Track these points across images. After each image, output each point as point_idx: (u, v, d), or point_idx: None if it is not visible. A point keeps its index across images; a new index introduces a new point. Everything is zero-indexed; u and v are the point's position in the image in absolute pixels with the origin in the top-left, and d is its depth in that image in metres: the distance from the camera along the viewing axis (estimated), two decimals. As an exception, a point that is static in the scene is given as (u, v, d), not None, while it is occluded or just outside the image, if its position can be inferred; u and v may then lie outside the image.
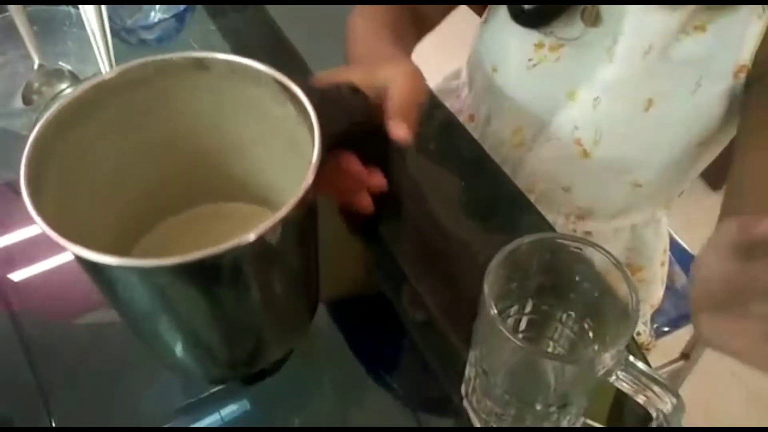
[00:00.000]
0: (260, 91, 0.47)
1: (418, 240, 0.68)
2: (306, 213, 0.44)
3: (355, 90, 0.48)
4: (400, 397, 0.58)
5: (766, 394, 1.48)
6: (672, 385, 0.44)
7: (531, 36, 0.67)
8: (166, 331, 0.47)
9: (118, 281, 0.42)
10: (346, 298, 0.64)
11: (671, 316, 1.00)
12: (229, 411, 0.56)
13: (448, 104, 0.91)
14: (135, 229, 0.54)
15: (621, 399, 0.52)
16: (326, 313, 0.62)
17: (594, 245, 0.45)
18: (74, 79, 0.71)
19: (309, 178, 0.40)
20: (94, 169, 0.48)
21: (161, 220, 0.55)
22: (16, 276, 0.64)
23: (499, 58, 0.72)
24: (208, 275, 0.40)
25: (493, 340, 0.45)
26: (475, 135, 0.83)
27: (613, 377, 0.45)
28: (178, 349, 0.48)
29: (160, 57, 0.47)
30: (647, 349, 0.99)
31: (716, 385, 1.49)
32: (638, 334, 0.98)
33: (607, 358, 0.43)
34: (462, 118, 0.86)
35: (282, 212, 0.38)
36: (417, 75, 0.52)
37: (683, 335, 1.08)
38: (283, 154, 0.49)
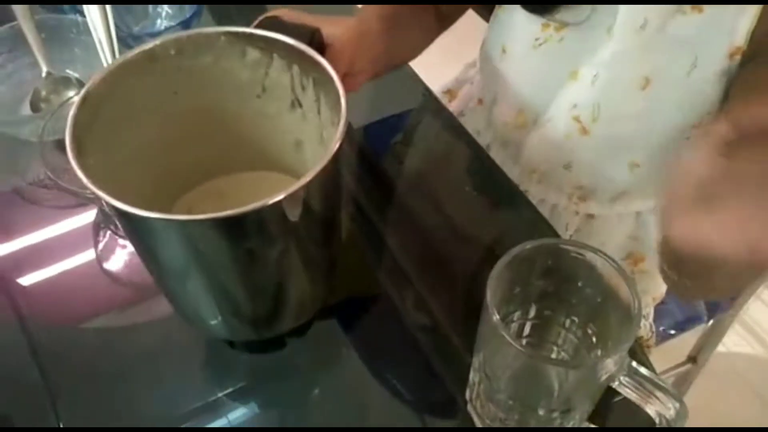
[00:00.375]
0: (291, 62, 0.52)
1: (421, 242, 0.69)
2: (331, 178, 0.48)
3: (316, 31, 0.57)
4: (406, 401, 0.58)
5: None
6: (676, 390, 0.44)
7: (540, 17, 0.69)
8: (196, 285, 0.50)
9: (157, 237, 0.46)
10: (350, 301, 0.64)
11: (677, 319, 1.00)
12: (237, 415, 0.57)
13: (464, 91, 0.93)
14: (172, 191, 0.59)
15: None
16: (331, 316, 0.62)
17: (596, 250, 0.45)
18: (81, 86, 0.72)
19: (337, 141, 0.45)
20: (137, 132, 0.53)
21: (197, 184, 0.60)
22: (25, 281, 0.65)
23: (508, 38, 0.74)
24: (238, 231, 0.44)
25: (496, 346, 0.45)
26: (482, 118, 0.85)
27: (616, 383, 0.45)
28: (206, 304, 0.52)
29: (206, 30, 0.53)
30: (648, 346, 0.99)
31: (724, 389, 1.48)
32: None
33: (610, 364, 0.43)
34: (472, 104, 0.89)
35: (309, 175, 0.43)
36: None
37: (690, 338, 1.08)
38: (316, 128, 0.54)
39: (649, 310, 0.94)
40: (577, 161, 0.75)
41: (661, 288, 0.91)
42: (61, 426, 0.55)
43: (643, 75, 0.65)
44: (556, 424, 0.48)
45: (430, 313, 0.63)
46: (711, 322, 1.04)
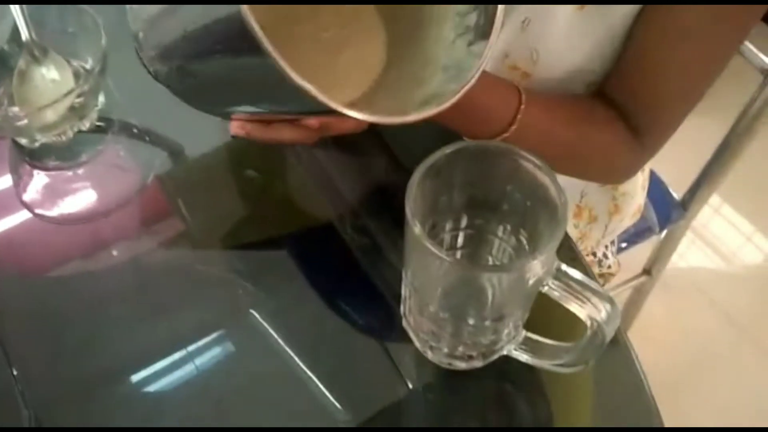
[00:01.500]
0: None
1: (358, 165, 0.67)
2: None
3: None
4: (349, 320, 0.57)
5: (728, 303, 1.50)
6: (606, 291, 0.43)
7: None
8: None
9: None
10: (300, 234, 0.64)
11: (629, 232, 0.99)
12: (202, 355, 0.55)
13: None
14: None
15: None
16: (283, 248, 0.62)
17: (516, 151, 0.43)
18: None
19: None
20: None
21: None
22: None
23: None
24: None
25: (420, 257, 0.43)
26: None
27: (546, 287, 0.43)
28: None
29: None
30: (611, 274, 0.98)
31: (680, 299, 1.50)
32: (605, 257, 0.97)
33: (537, 266, 0.42)
34: None
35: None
36: None
37: (644, 250, 1.08)
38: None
39: (615, 233, 0.92)
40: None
41: (639, 201, 0.89)
42: (14, 374, 0.53)
43: None
44: (489, 332, 0.47)
45: (368, 233, 0.61)
46: (664, 233, 1.04)
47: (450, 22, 0.44)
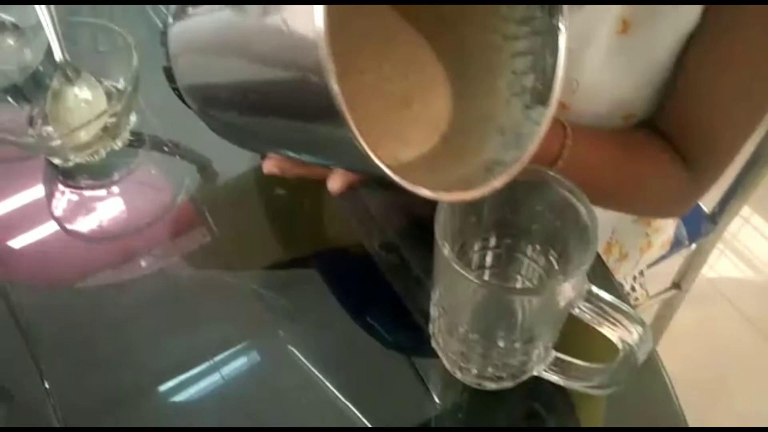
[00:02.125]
0: None
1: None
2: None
3: None
4: (380, 340, 0.57)
5: (760, 317, 1.47)
6: (638, 313, 0.42)
7: None
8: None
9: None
10: (329, 252, 0.64)
11: (659, 245, 0.98)
12: (230, 369, 0.55)
13: None
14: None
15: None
16: (312, 265, 0.62)
17: (546, 172, 0.43)
18: (17, 30, 0.68)
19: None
20: None
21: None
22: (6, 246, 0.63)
23: None
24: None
25: (450, 278, 0.43)
26: None
27: (577, 310, 0.43)
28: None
29: None
30: (638, 305, 0.97)
31: (709, 310, 1.48)
32: (633, 290, 0.96)
33: (568, 288, 0.42)
34: None
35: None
36: None
37: (673, 263, 1.07)
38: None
39: (642, 264, 0.91)
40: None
41: (669, 233, 0.87)
42: (47, 388, 0.53)
43: (621, 18, 0.59)
44: (519, 354, 0.47)
45: (396, 251, 0.61)
46: (693, 246, 1.03)
47: (504, 79, 0.42)
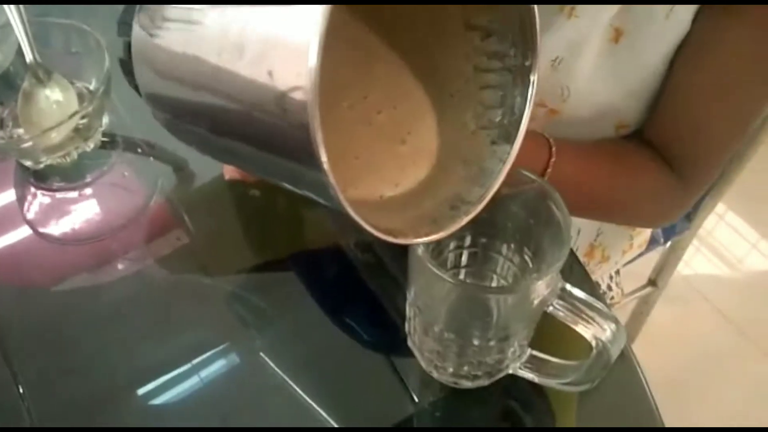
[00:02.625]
0: None
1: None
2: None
3: None
4: (361, 340, 0.57)
5: (736, 314, 1.49)
6: (610, 310, 0.43)
7: None
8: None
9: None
10: (305, 252, 0.64)
11: (634, 243, 0.99)
12: (207, 372, 0.55)
13: None
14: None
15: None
16: (287, 265, 0.62)
17: (520, 172, 0.43)
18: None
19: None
20: None
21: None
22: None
23: None
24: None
25: (424, 277, 0.44)
26: None
27: (551, 307, 0.43)
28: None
29: None
30: (615, 303, 0.98)
31: (685, 307, 1.50)
32: (609, 288, 0.97)
33: (542, 287, 0.42)
34: None
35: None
36: None
37: (649, 260, 1.08)
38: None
39: (619, 264, 0.92)
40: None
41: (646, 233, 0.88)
42: (21, 391, 0.53)
43: (613, 26, 0.59)
44: (495, 352, 0.47)
45: (372, 250, 0.61)
46: (669, 243, 1.04)
47: (471, 110, 0.42)
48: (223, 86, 0.33)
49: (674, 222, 0.74)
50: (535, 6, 0.36)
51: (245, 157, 0.38)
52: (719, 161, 0.65)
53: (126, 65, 0.42)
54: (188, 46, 0.35)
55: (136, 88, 0.43)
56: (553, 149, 0.58)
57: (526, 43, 0.38)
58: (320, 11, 0.28)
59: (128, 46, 0.40)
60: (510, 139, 0.40)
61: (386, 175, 0.41)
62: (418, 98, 0.43)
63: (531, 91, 0.39)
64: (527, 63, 0.38)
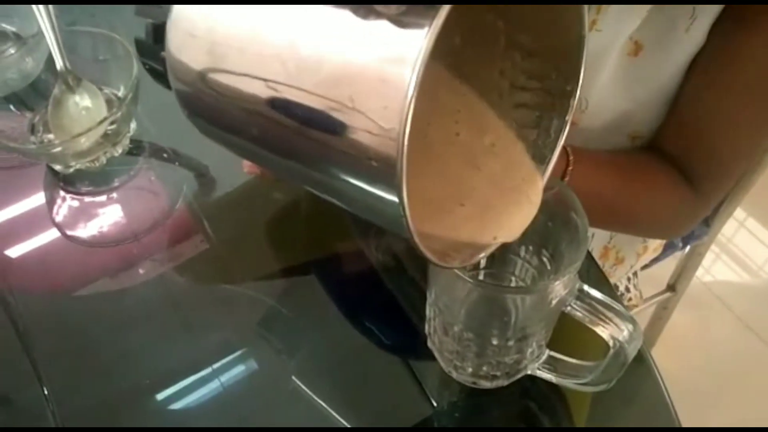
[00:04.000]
0: None
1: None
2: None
3: None
4: (379, 342, 0.58)
5: (756, 321, 1.48)
6: (628, 311, 0.43)
7: None
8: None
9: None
10: (326, 255, 0.65)
11: (653, 248, 0.99)
12: (228, 375, 0.56)
13: None
14: None
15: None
16: (309, 268, 0.63)
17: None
18: (19, 40, 0.69)
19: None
20: None
21: None
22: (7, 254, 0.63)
23: None
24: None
25: (443, 279, 0.44)
26: None
27: (568, 307, 0.44)
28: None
29: None
30: (634, 306, 0.98)
31: (705, 314, 1.49)
32: (627, 290, 0.97)
33: (560, 287, 0.43)
34: None
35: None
36: None
37: (668, 265, 1.08)
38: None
39: (636, 267, 0.92)
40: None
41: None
42: (46, 394, 0.54)
43: (633, 40, 0.60)
44: (513, 352, 0.48)
45: (392, 253, 0.62)
46: (687, 248, 1.04)
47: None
48: (288, 100, 0.30)
49: (687, 232, 0.73)
50: (587, 33, 0.35)
51: (286, 167, 0.36)
52: (734, 173, 0.65)
53: (143, 46, 0.39)
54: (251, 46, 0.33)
55: (150, 71, 0.40)
56: (571, 158, 0.58)
57: (571, 68, 0.37)
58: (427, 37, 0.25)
59: (152, 28, 0.39)
60: (544, 160, 0.39)
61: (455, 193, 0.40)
62: (505, 123, 0.41)
63: (569, 116, 0.38)
64: (568, 87, 0.38)
